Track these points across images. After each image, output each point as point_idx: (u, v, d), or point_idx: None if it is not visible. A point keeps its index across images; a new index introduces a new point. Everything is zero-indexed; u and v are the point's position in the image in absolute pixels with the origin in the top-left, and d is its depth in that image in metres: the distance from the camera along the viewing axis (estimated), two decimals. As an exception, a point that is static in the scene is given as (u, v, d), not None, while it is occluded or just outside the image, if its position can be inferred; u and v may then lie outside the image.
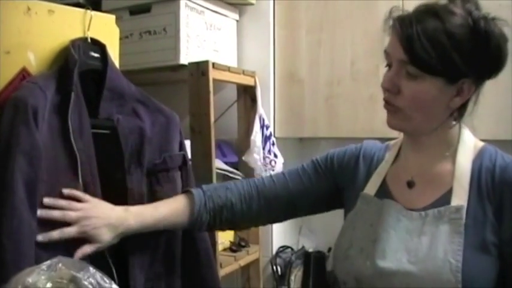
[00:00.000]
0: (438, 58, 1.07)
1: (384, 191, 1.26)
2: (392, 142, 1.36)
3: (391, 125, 1.19)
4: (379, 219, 1.20)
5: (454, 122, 1.18)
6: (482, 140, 1.23)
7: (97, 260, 1.30)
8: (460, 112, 1.18)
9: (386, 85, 1.14)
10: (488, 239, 1.08)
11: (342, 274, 1.24)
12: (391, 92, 1.14)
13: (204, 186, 1.43)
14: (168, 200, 1.39)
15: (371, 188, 1.28)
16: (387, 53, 1.16)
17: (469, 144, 1.19)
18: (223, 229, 1.50)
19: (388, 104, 1.17)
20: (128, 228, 1.29)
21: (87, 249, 1.22)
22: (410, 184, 1.23)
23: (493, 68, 1.13)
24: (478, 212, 1.10)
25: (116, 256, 1.38)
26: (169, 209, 1.36)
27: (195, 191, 1.39)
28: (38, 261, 1.12)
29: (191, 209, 1.36)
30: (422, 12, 1.11)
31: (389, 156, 1.32)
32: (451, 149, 1.19)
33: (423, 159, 1.22)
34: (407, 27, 1.09)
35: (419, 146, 1.23)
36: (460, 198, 1.12)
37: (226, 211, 1.39)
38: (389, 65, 1.17)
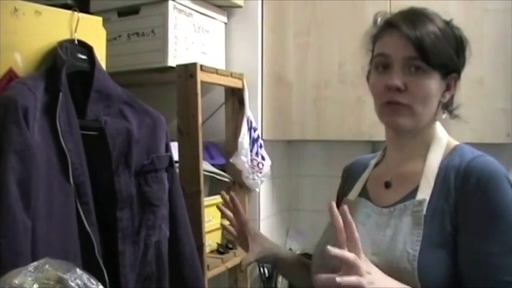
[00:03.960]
0: (441, 52, 1.16)
1: (363, 193, 1.32)
2: (380, 152, 1.40)
3: (399, 124, 1.21)
4: (352, 217, 1.24)
5: (443, 116, 1.25)
6: (468, 144, 1.25)
7: (88, 260, 1.31)
8: (447, 107, 1.25)
9: (398, 83, 1.16)
10: (447, 229, 1.12)
11: (319, 270, 1.26)
12: (400, 89, 1.17)
13: None
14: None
15: (354, 192, 1.35)
16: (386, 55, 1.20)
17: (441, 143, 1.24)
18: None
19: (393, 104, 1.19)
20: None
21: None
22: (387, 185, 1.28)
23: (464, 63, 1.24)
24: (438, 204, 1.14)
25: (106, 257, 1.39)
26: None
27: None
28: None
29: None
30: (416, 15, 1.20)
31: (372, 163, 1.38)
32: (425, 148, 1.24)
33: (402, 159, 1.27)
34: (413, 27, 1.16)
35: (401, 146, 1.27)
36: (424, 192, 1.17)
37: None
38: (386, 67, 1.20)
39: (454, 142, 1.25)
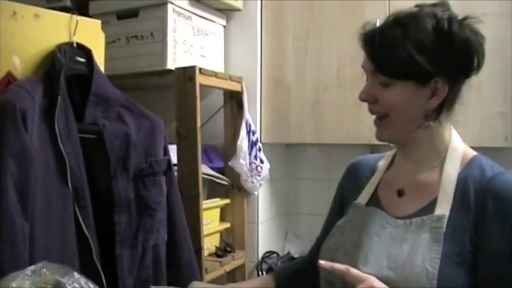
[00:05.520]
0: (402, 63, 1.13)
1: (374, 200, 1.29)
2: (389, 152, 1.38)
3: (380, 137, 1.23)
4: (365, 226, 1.22)
5: (431, 123, 1.19)
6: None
7: (86, 264, 1.31)
8: (437, 113, 1.19)
9: (363, 96, 1.21)
10: (466, 247, 1.10)
11: (329, 275, 1.24)
12: (369, 101, 1.20)
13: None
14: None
15: (363, 197, 1.31)
16: (363, 68, 1.22)
17: (457, 154, 1.20)
18: None
19: (372, 114, 1.22)
20: None
21: None
22: (400, 192, 1.25)
23: (465, 65, 1.16)
24: (458, 221, 1.12)
25: (104, 260, 1.39)
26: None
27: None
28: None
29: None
30: (387, 23, 1.18)
31: (382, 166, 1.35)
32: (439, 158, 1.21)
33: (412, 168, 1.24)
34: (371, 40, 1.17)
35: (408, 155, 1.25)
36: (443, 207, 1.14)
37: None
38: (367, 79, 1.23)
39: (472, 152, 1.22)
